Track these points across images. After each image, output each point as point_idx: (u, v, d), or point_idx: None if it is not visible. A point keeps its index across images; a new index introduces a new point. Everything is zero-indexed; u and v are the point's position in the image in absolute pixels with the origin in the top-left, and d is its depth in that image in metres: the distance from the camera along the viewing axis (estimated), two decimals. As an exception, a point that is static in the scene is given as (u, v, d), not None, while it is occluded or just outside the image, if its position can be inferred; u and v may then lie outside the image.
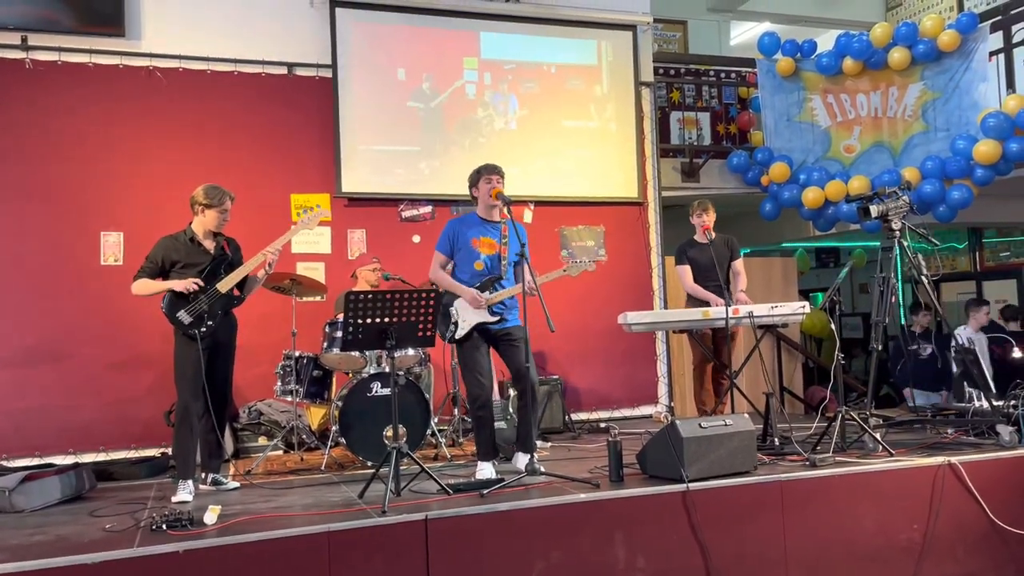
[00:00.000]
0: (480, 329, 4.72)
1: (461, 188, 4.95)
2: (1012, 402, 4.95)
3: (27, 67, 5.96)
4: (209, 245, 4.61)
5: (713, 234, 5.89)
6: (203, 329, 4.42)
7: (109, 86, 6.14)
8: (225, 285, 4.52)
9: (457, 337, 4.70)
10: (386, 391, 5.08)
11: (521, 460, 4.63)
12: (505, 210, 4.72)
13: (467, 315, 4.70)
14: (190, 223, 4.62)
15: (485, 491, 4.03)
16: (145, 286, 4.52)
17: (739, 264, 6.08)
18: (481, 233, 4.80)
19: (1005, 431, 4.82)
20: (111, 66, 6.16)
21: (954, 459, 4.46)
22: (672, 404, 7.34)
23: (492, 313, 4.69)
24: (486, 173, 4.79)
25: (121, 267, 5.97)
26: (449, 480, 4.28)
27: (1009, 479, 4.56)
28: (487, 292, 4.70)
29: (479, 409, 4.66)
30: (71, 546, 3.44)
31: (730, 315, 5.34)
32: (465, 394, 4.83)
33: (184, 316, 4.41)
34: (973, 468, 4.47)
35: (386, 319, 4.25)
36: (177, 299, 4.43)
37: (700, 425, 4.27)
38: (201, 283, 4.44)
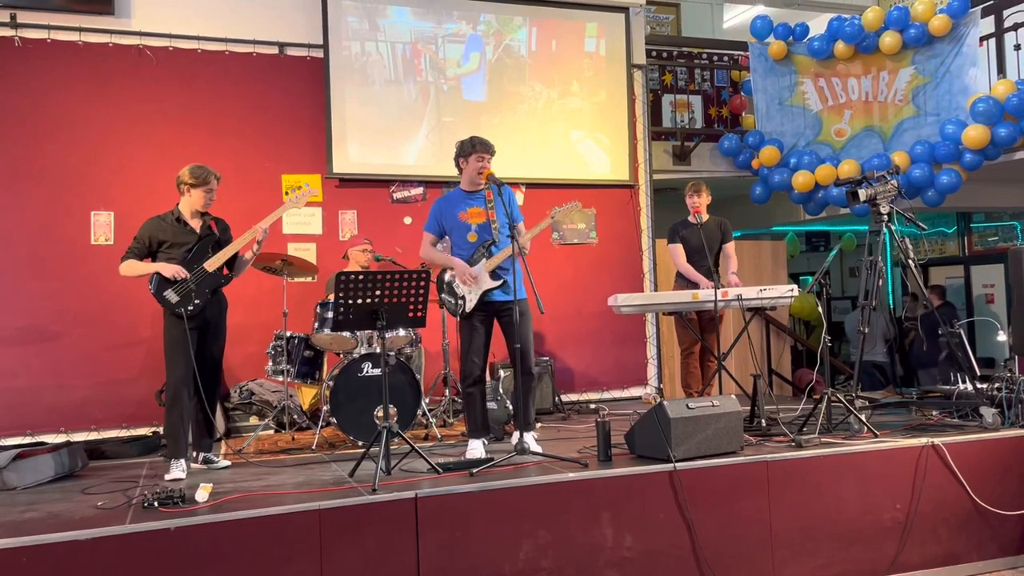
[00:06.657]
0: (486, 303, 4.68)
1: (452, 170, 4.95)
2: (996, 385, 5.01)
3: (16, 45, 5.92)
4: (196, 225, 4.61)
5: (705, 216, 5.91)
6: (190, 308, 4.44)
7: (99, 64, 6.10)
8: (213, 264, 4.54)
9: (468, 310, 4.68)
10: (377, 371, 5.12)
11: (526, 436, 4.57)
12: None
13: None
14: (177, 204, 4.62)
15: (475, 470, 4.07)
16: (132, 267, 4.53)
17: (730, 247, 6.09)
18: (467, 205, 4.80)
19: (988, 413, 4.88)
20: (101, 44, 6.11)
21: (938, 440, 4.52)
22: (661, 386, 7.39)
23: (495, 277, 4.67)
24: (480, 150, 4.72)
25: (112, 247, 5.96)
26: (439, 459, 4.32)
27: (991, 460, 4.63)
28: (483, 260, 4.70)
29: (470, 386, 4.72)
30: (63, 523, 3.47)
31: (719, 298, 5.37)
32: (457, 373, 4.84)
33: (171, 295, 4.42)
34: (956, 449, 4.53)
35: (377, 300, 4.27)
36: (164, 279, 4.44)
37: (687, 406, 4.31)
38: (187, 273, 4.45)
